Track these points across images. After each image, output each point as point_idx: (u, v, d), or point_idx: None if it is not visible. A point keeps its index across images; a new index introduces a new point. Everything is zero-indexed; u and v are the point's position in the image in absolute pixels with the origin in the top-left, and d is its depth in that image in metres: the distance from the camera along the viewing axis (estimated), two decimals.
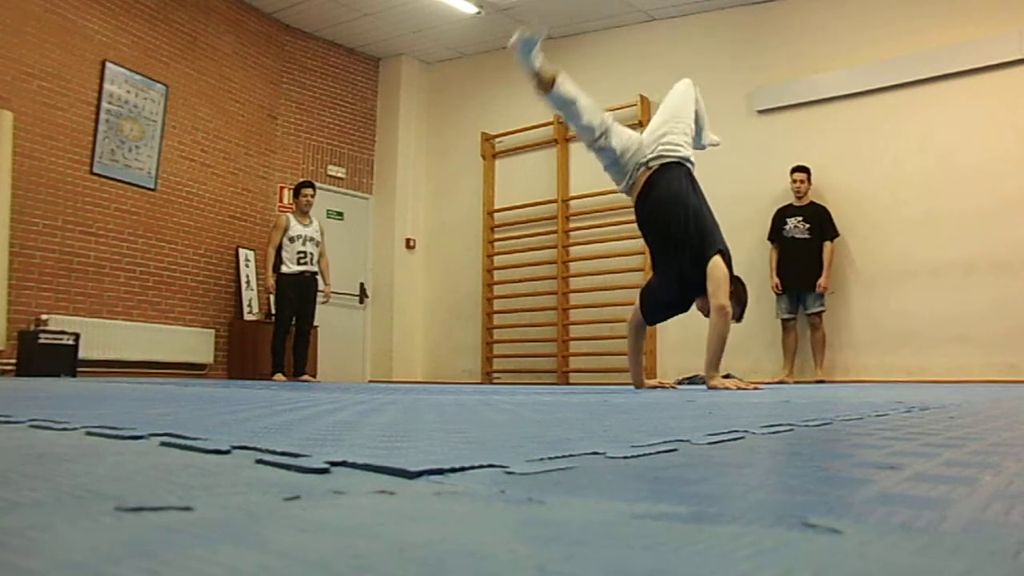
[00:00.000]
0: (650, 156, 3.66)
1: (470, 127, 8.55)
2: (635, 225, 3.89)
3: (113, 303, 6.65)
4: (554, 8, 7.50)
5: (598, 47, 7.88)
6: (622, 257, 7.28)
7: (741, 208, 6.41)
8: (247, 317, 7.50)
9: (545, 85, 3.54)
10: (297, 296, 6.74)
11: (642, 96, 7.36)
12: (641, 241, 4.07)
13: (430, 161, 9.01)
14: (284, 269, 6.71)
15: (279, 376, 6.60)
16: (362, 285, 8.74)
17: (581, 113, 3.60)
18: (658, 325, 4.83)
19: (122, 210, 6.75)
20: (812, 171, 6.40)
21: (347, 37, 8.50)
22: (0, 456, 0.77)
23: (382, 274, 8.76)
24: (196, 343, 7.15)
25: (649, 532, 0.40)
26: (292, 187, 7.30)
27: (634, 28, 7.70)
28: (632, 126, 7.10)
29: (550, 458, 0.71)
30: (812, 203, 6.38)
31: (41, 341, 5.78)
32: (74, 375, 5.92)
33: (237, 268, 7.61)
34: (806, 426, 1.17)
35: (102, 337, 6.41)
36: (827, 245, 6.26)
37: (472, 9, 7.61)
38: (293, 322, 6.77)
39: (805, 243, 6.30)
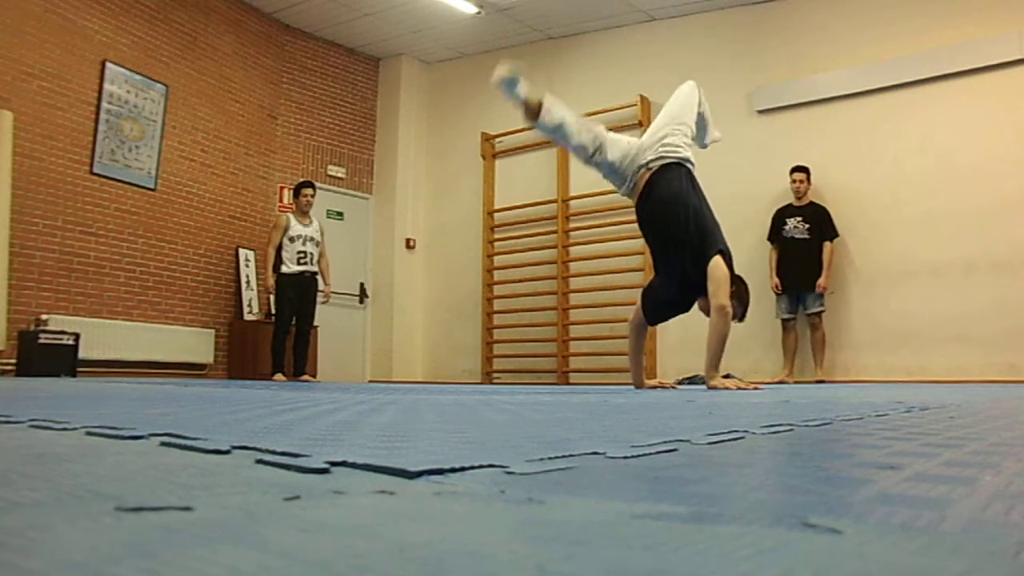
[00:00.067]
0: (651, 158, 3.68)
1: (470, 127, 8.55)
2: (635, 225, 3.91)
3: (113, 303, 6.65)
4: (554, 8, 7.51)
5: (598, 47, 7.88)
6: (622, 257, 7.28)
7: (741, 208, 6.41)
8: (247, 317, 7.50)
9: (532, 112, 3.64)
10: (297, 296, 6.74)
11: (642, 96, 7.36)
12: (641, 241, 4.08)
13: (430, 161, 9.01)
14: (284, 269, 6.71)
15: (279, 376, 6.60)
16: (362, 285, 8.74)
17: (571, 136, 3.69)
18: (658, 325, 4.83)
19: (122, 210, 6.75)
20: (812, 171, 6.40)
21: (347, 37, 8.50)
22: (0, 456, 0.77)
23: (382, 274, 8.76)
24: (196, 343, 7.16)
25: (649, 532, 0.40)
26: (292, 187, 7.30)
27: (634, 28, 7.70)
28: (632, 126, 7.20)
29: (550, 458, 0.71)
30: (812, 203, 6.37)
31: (41, 341, 5.78)
32: (74, 375, 5.91)
33: (237, 268, 7.61)
34: (806, 426, 1.17)
35: (102, 337, 6.41)
36: (827, 245, 6.26)
37: (472, 9, 7.61)
38: (293, 322, 6.77)
39: (805, 243, 6.30)
